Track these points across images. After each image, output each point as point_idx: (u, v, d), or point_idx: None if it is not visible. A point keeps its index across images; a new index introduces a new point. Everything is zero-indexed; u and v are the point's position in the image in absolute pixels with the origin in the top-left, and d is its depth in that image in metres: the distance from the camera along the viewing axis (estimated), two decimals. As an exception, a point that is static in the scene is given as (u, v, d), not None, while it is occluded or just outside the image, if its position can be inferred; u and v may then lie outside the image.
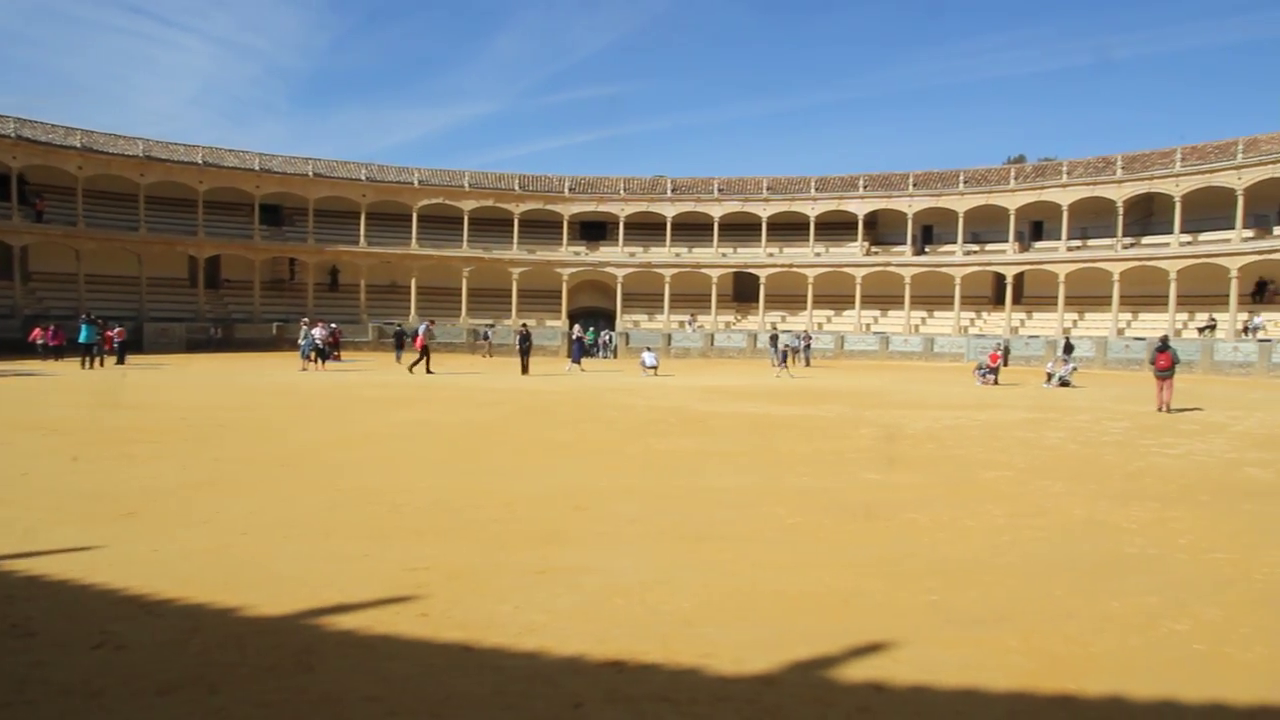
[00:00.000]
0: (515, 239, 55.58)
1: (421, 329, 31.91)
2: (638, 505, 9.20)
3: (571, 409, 19.81)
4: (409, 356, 34.70)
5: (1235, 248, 43.11)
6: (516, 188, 56.34)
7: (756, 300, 55.22)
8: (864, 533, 8.21)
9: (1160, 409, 20.71)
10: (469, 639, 5.24)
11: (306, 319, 36.44)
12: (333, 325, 38.53)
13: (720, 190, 56.41)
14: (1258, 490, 10.86)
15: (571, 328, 42.28)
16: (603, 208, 56.80)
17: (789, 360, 38.20)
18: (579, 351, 35.99)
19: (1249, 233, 43.44)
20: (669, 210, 56.00)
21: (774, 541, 7.82)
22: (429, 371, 30.03)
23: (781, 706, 4.41)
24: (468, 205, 55.10)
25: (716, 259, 56.06)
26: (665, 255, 56.41)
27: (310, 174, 52.37)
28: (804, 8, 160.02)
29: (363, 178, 54.01)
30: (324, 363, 32.23)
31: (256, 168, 50.83)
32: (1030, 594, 6.38)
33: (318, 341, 32.08)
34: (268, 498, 9.20)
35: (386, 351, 43.44)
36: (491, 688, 4.55)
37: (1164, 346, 21.75)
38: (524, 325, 35.27)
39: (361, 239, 53.22)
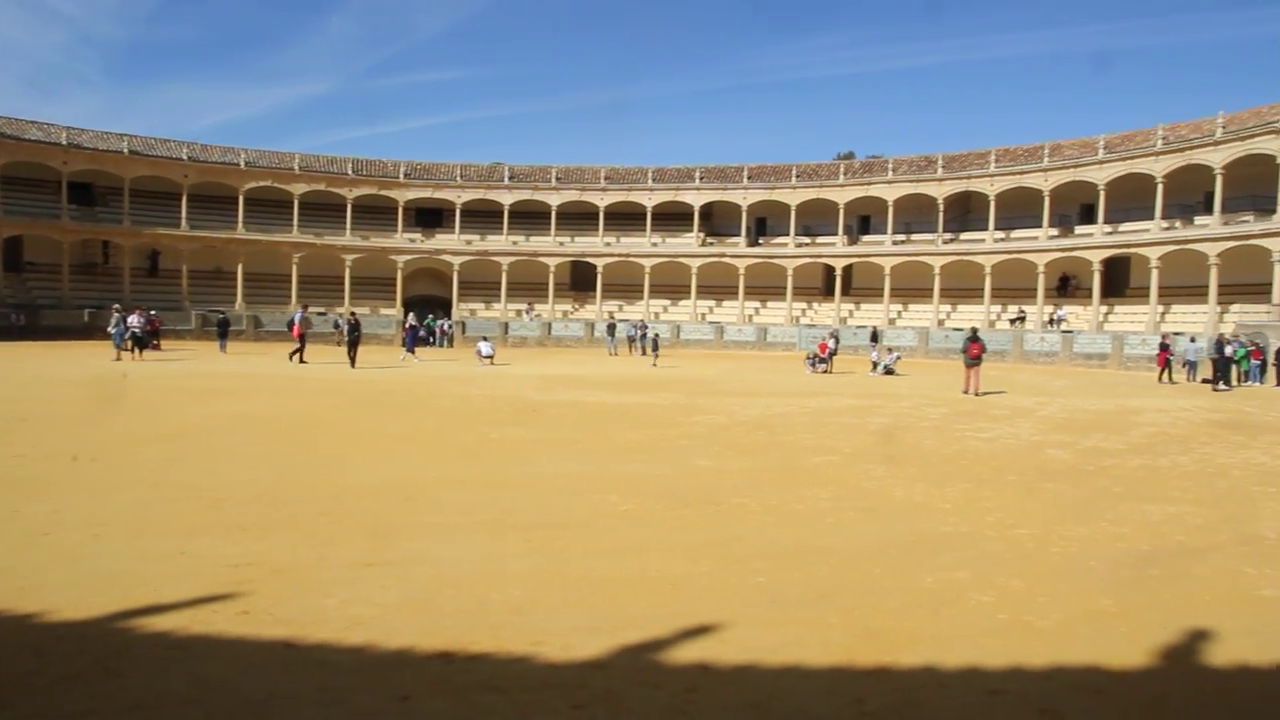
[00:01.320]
0: (348, 225, 54.01)
1: (297, 317, 30.44)
2: (470, 495, 9.12)
3: (405, 399, 19.44)
4: (235, 345, 33.09)
5: (1042, 245, 46.15)
6: (350, 172, 54.73)
7: (594, 289, 55.44)
8: (695, 518, 8.37)
9: (967, 392, 22.66)
10: (293, 635, 5.08)
11: (118, 305, 34.31)
12: (151, 312, 36.53)
13: (558, 179, 56.33)
14: (1057, 471, 11.63)
15: (406, 316, 41.36)
16: (439, 194, 55.85)
17: (638, 347, 39.24)
18: (413, 340, 35.25)
19: (1054, 231, 46.56)
20: (506, 198, 55.57)
21: (606, 528, 7.88)
22: (302, 361, 28.64)
23: (611, 690, 4.46)
24: (298, 189, 53.14)
25: (554, 248, 55.97)
26: (503, 243, 55.94)
27: (126, 151, 49.30)
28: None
29: (184, 157, 51.28)
30: (141, 352, 30.54)
31: (64, 142, 47.45)
32: (852, 573, 6.65)
33: (135, 329, 30.30)
34: (74, 495, 8.66)
35: (211, 340, 41.51)
36: (315, 684, 4.43)
37: (974, 337, 23.88)
38: (353, 314, 33.25)
39: (183, 222, 50.50)
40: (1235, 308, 39.62)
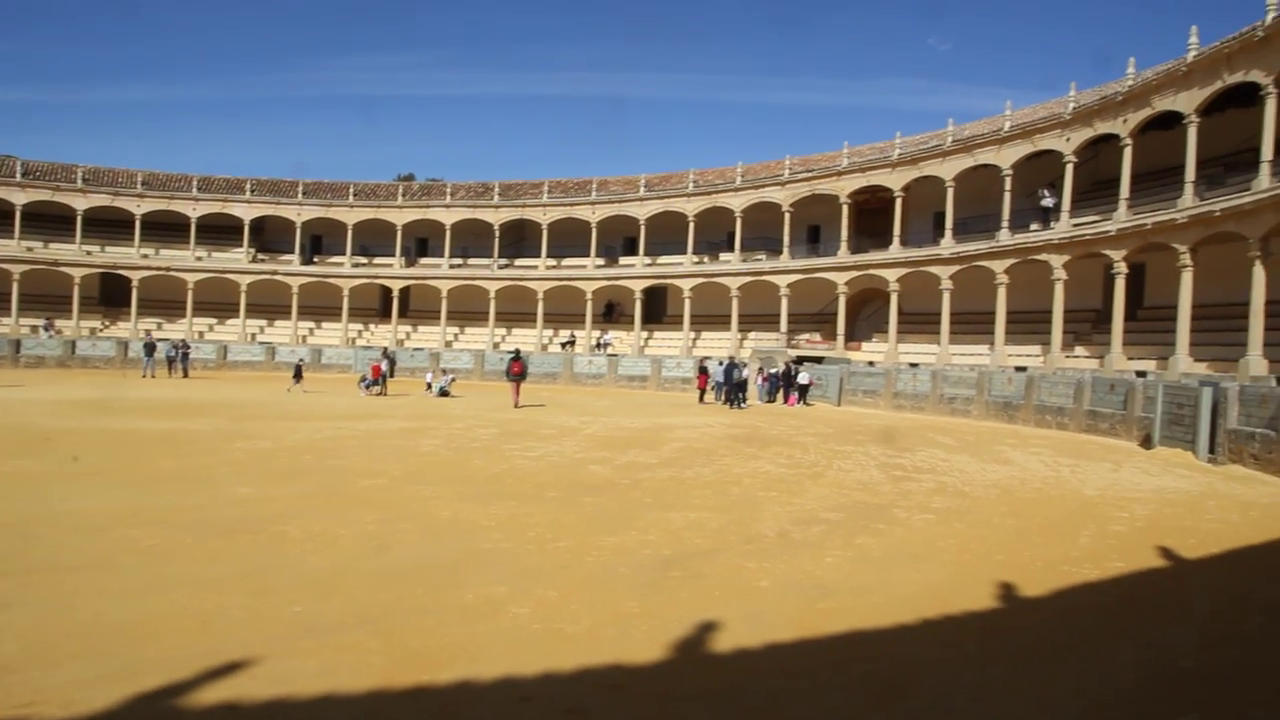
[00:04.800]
0: None
1: None
2: (-42, 538, 7.90)
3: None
4: None
5: (590, 273, 49.25)
6: None
7: (129, 305, 50.44)
8: (230, 549, 7.90)
9: (515, 406, 25.80)
10: None
11: None
12: None
13: (86, 180, 50.63)
14: (597, 485, 12.42)
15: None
16: (-71, 189, 47.86)
17: (179, 369, 36.92)
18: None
19: (601, 261, 49.87)
20: (19, 197, 48.89)
21: (128, 566, 7.20)
22: None
23: (119, 744, 4.08)
24: None
25: (80, 257, 50.14)
26: (14, 249, 49.06)
27: None
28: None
29: None
30: None
31: None
32: (394, 595, 6.63)
33: None
34: None
35: None
36: None
37: (517, 356, 27.30)
38: None
39: None
40: (753, 335, 44.89)
